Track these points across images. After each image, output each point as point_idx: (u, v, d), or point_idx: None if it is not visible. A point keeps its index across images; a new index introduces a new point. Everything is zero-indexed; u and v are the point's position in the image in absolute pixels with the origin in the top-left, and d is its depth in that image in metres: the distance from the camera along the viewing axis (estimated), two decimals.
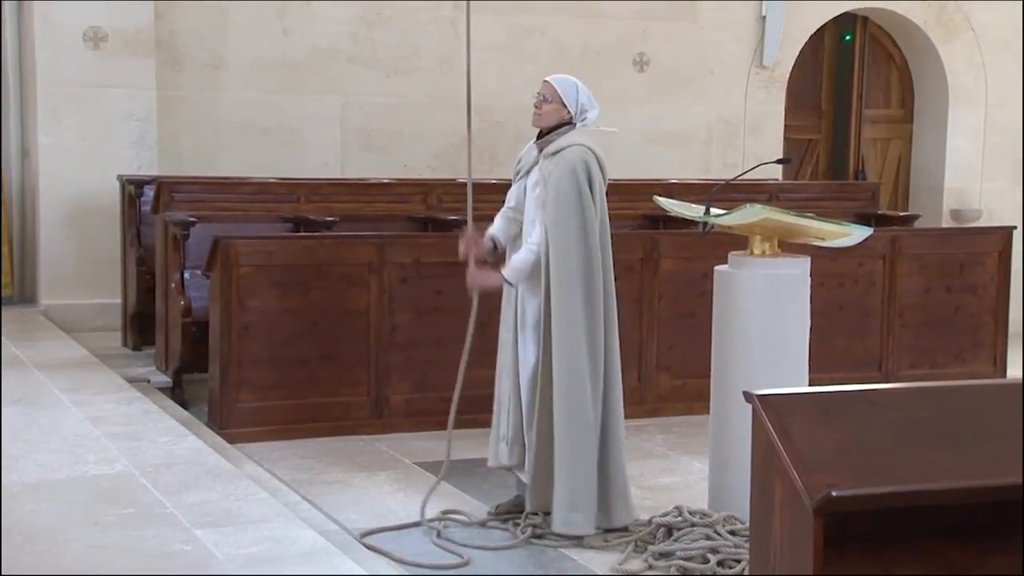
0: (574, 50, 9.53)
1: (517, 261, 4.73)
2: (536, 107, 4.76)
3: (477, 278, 4.84)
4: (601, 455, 4.70)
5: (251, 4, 8.75)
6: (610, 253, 4.75)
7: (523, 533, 4.68)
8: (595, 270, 4.64)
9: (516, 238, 4.84)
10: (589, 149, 4.67)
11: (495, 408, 4.90)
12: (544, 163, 4.70)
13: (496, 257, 4.89)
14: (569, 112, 4.72)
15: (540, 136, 4.77)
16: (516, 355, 4.80)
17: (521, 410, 4.80)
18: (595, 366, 4.64)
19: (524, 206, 4.79)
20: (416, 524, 4.81)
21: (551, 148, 4.70)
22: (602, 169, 4.70)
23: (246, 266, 6.11)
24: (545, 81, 4.80)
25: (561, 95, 4.72)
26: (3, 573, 3.56)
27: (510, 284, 4.76)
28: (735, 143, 10.15)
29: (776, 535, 2.73)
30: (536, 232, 4.67)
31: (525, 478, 4.82)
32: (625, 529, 4.71)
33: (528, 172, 4.80)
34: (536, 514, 4.76)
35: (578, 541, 4.62)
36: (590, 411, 4.63)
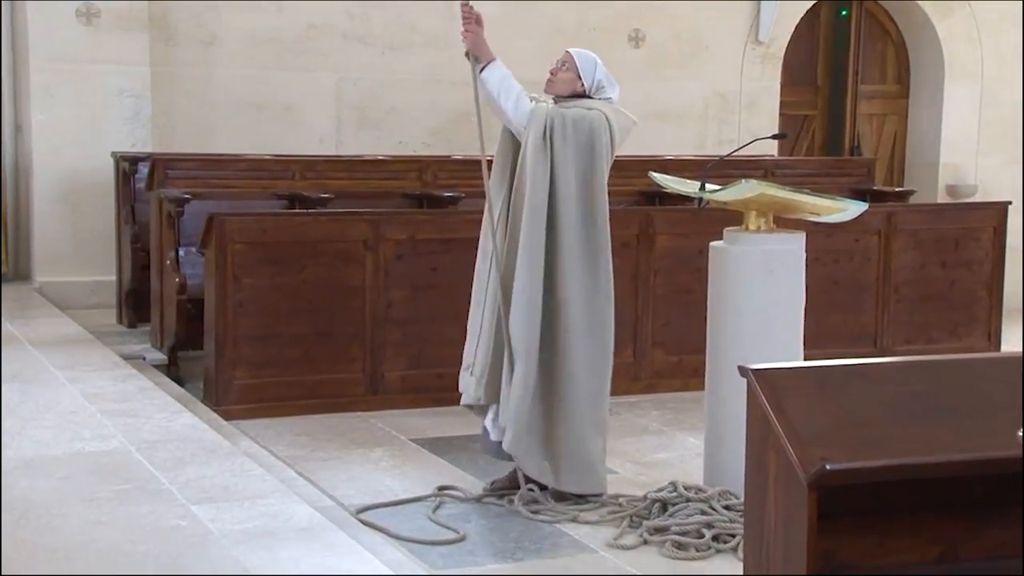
0: (569, 26, 9.49)
1: (507, 79, 4.66)
2: (552, 73, 4.80)
3: (476, 36, 4.67)
4: (548, 419, 4.72)
5: None
6: (606, 224, 4.74)
7: (519, 507, 4.69)
8: (581, 225, 4.64)
9: None
10: (606, 117, 4.70)
11: (467, 340, 4.90)
12: (556, 108, 4.72)
13: None
14: (583, 85, 4.76)
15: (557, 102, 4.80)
16: (495, 286, 4.77)
17: (492, 343, 4.79)
18: (528, 292, 4.63)
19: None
20: (413, 500, 4.82)
21: (568, 104, 4.74)
22: (612, 141, 4.73)
23: (241, 243, 6.10)
24: (566, 51, 4.85)
25: (578, 66, 4.76)
26: (1, 552, 3.57)
27: (481, 76, 4.66)
28: (731, 119, 10.13)
29: (771, 509, 2.73)
30: (529, 109, 4.64)
31: (488, 420, 4.85)
32: (619, 505, 4.72)
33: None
34: (533, 490, 4.78)
35: (574, 516, 4.64)
36: (535, 351, 4.63)
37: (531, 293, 4.65)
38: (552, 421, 4.75)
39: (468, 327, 4.90)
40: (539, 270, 4.65)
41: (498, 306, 4.72)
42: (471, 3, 4.70)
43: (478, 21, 4.70)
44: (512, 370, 4.67)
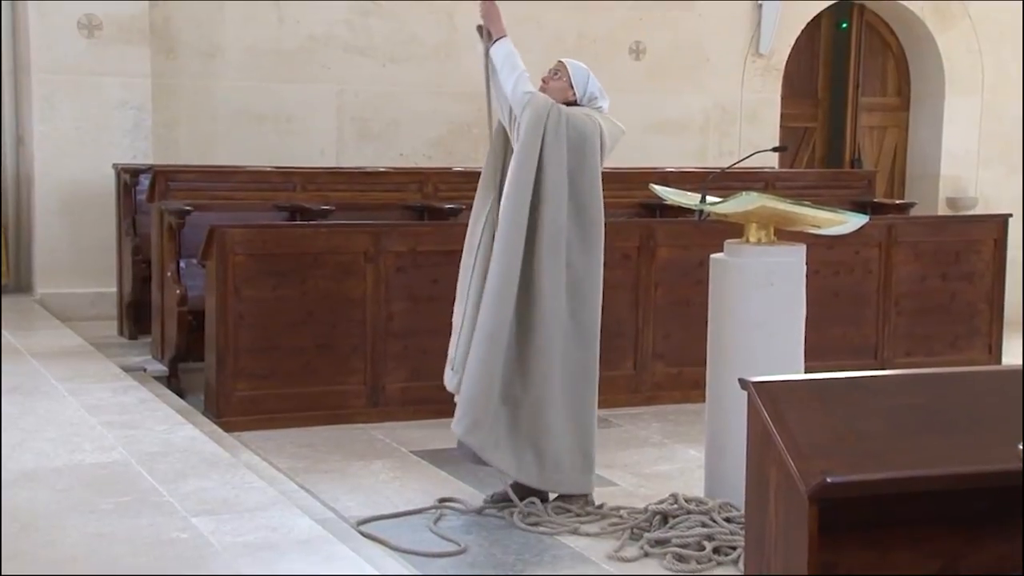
0: (570, 38, 9.51)
1: (513, 58, 4.72)
2: (544, 81, 4.85)
3: (493, 8, 4.76)
4: (519, 418, 4.73)
5: None
6: (600, 222, 4.78)
7: (519, 520, 4.68)
8: (567, 217, 4.68)
9: None
10: (597, 122, 4.76)
11: (452, 334, 4.92)
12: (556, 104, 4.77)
13: None
14: (574, 94, 4.83)
15: None
16: (480, 282, 4.79)
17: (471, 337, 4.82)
18: (500, 278, 4.64)
19: None
20: (414, 512, 4.82)
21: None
22: (603, 147, 4.78)
23: (242, 255, 6.11)
24: (560, 60, 4.92)
25: (571, 76, 4.83)
26: (1, 562, 3.57)
27: (489, 49, 4.73)
28: (731, 131, 10.15)
29: (771, 522, 2.73)
30: (527, 97, 4.67)
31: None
32: (620, 517, 4.72)
33: None
34: (534, 502, 4.78)
35: (575, 528, 4.64)
36: (504, 340, 4.64)
37: (503, 280, 4.65)
38: (524, 420, 4.75)
39: (453, 322, 4.92)
40: (516, 259, 4.65)
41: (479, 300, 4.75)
42: None
43: None
44: (475, 357, 4.69)
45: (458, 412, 4.76)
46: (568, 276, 4.74)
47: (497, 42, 4.76)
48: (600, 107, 4.86)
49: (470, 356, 4.72)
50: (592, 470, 4.91)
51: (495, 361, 4.68)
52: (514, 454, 4.75)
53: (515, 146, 4.71)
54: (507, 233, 4.67)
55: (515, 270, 4.66)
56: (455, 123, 9.14)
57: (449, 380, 4.90)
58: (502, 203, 4.71)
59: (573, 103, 4.82)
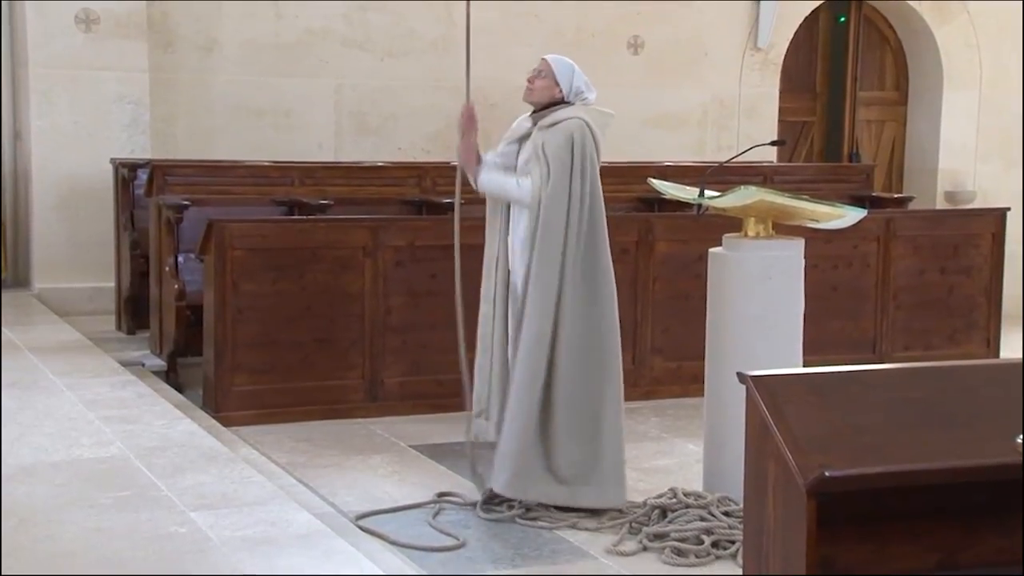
0: (569, 32, 9.51)
1: (498, 179, 4.79)
2: (529, 82, 4.81)
3: (467, 154, 4.85)
4: (595, 431, 4.71)
5: None
6: (604, 230, 4.75)
7: (517, 515, 4.68)
8: (581, 245, 4.65)
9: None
10: (586, 123, 4.70)
11: (476, 382, 4.91)
12: (538, 134, 4.73)
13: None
14: (560, 91, 4.76)
15: (535, 112, 4.80)
16: (502, 328, 4.80)
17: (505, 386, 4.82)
18: (533, 355, 4.64)
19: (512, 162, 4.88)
20: (413, 506, 4.82)
21: (547, 120, 4.74)
22: (596, 146, 4.72)
23: (240, 249, 6.10)
24: (543, 58, 4.86)
25: (555, 73, 4.76)
26: (1, 557, 3.57)
27: (477, 185, 4.84)
28: (730, 125, 10.14)
29: (770, 516, 2.73)
30: (530, 183, 4.67)
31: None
32: (620, 511, 4.72)
33: (519, 141, 4.82)
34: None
35: (573, 523, 4.64)
36: (540, 383, 4.64)
37: (537, 338, 4.63)
38: (552, 448, 4.71)
39: (475, 371, 4.91)
40: (548, 321, 4.63)
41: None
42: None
43: (473, 122, 4.87)
44: (513, 407, 4.67)
45: (497, 466, 4.72)
46: (585, 298, 4.69)
47: (479, 177, 4.83)
48: (586, 99, 4.79)
49: (508, 411, 4.70)
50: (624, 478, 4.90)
51: (532, 413, 4.65)
52: (557, 484, 4.71)
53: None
54: (540, 305, 4.63)
55: (547, 330, 4.64)
56: (453, 117, 8.98)
57: (481, 429, 4.88)
58: (533, 275, 4.65)
59: (560, 100, 4.77)
